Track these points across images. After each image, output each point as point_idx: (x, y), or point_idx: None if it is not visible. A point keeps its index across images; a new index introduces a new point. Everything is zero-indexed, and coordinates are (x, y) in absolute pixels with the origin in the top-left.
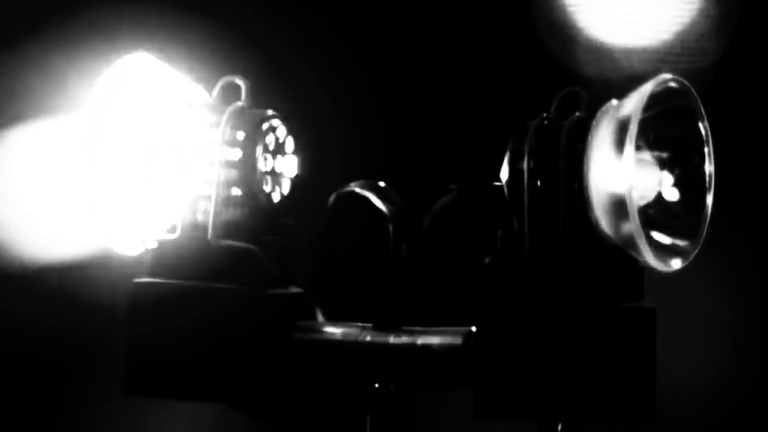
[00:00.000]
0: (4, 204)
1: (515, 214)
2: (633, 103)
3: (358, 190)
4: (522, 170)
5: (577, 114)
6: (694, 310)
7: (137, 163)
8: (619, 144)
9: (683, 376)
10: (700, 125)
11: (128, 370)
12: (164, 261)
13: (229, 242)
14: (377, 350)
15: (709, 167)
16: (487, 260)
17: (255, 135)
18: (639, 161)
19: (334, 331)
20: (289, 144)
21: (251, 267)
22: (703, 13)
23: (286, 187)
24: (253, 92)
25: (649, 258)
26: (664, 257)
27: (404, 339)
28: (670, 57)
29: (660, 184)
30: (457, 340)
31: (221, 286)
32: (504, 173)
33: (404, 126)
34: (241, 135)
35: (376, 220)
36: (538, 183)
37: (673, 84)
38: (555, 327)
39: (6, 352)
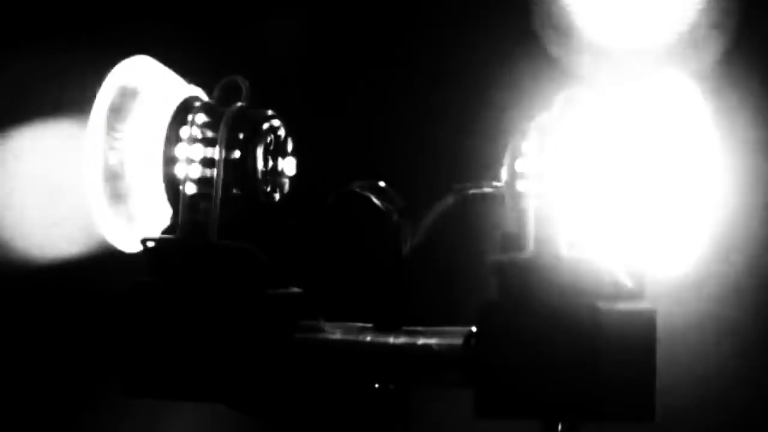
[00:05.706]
0: (5, 204)
1: (515, 215)
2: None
3: (358, 190)
4: (521, 170)
5: (575, 114)
6: (694, 310)
7: (137, 163)
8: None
9: (683, 375)
10: None
11: (128, 370)
12: (164, 261)
13: (229, 242)
14: (377, 350)
15: None
16: (487, 260)
17: (255, 135)
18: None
19: (334, 331)
20: (289, 144)
21: (251, 267)
22: (703, 13)
23: (286, 187)
24: (252, 92)
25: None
26: None
27: (404, 339)
28: (670, 57)
29: None
30: (457, 340)
31: (221, 287)
32: (504, 173)
33: (404, 126)
34: (240, 135)
35: (376, 220)
36: (537, 183)
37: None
38: (555, 327)
39: (6, 352)
